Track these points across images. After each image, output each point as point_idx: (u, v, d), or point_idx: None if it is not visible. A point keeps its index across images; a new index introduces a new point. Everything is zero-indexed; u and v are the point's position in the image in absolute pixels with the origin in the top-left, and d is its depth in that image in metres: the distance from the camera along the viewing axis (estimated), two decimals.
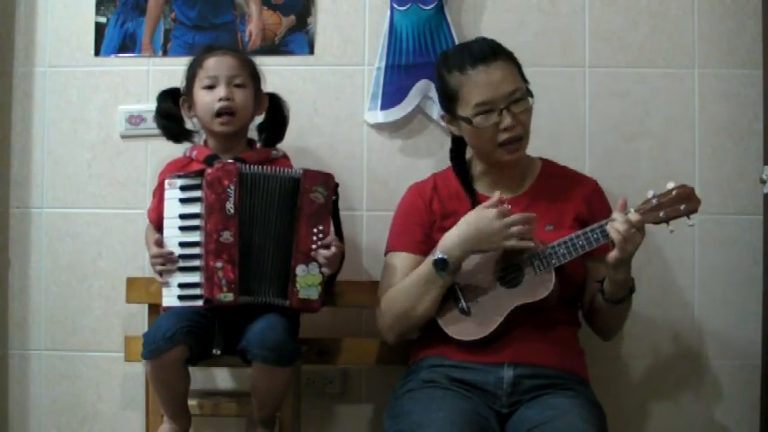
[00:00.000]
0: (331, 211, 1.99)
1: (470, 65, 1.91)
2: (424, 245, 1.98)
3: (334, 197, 2.00)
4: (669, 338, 2.32)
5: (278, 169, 1.97)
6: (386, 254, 2.06)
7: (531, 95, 1.94)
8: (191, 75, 2.07)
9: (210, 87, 2.02)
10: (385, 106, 2.33)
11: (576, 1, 2.35)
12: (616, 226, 1.79)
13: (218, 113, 2.01)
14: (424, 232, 2.00)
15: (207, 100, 2.02)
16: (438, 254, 1.86)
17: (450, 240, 1.86)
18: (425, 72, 2.31)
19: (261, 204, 1.95)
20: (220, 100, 2.01)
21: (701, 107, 2.33)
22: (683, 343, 2.32)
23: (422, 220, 2.02)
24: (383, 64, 2.33)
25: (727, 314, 2.31)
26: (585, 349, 2.01)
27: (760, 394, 2.23)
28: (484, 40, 1.98)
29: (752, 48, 2.31)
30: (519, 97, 1.91)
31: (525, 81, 1.96)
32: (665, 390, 2.32)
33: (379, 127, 2.35)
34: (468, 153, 2.08)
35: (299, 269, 1.94)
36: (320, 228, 1.95)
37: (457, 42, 2.27)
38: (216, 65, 2.03)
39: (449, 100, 1.97)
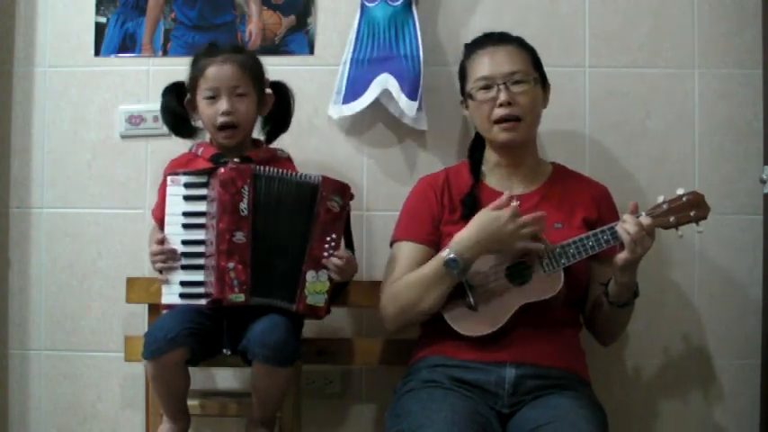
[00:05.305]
0: (345, 220, 1.99)
1: (481, 46, 2.03)
2: (433, 236, 2.00)
3: (348, 208, 2.00)
4: (669, 338, 2.32)
5: (295, 174, 1.97)
6: (392, 243, 2.06)
7: (539, 83, 2.00)
8: (193, 78, 2.04)
9: (212, 98, 2.01)
10: (346, 100, 2.29)
11: (575, 1, 2.35)
12: (626, 227, 1.79)
13: (221, 128, 2.01)
14: (434, 224, 2.01)
15: (209, 112, 2.01)
16: (449, 254, 1.86)
17: (462, 241, 1.87)
18: (385, 66, 2.25)
19: (274, 207, 1.94)
20: (222, 114, 1.99)
21: (700, 107, 2.33)
22: (683, 342, 2.32)
23: (432, 211, 2.02)
24: (348, 58, 2.29)
25: (727, 314, 2.32)
26: (587, 350, 2.02)
27: (760, 393, 2.24)
28: (502, 32, 2.06)
29: (752, 48, 2.31)
30: (519, 79, 1.97)
31: (539, 72, 2.01)
32: (666, 389, 2.32)
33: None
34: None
35: (309, 275, 1.94)
36: (333, 236, 1.95)
37: (420, 40, 2.24)
38: (216, 75, 2.00)
39: (461, 80, 2.07)
